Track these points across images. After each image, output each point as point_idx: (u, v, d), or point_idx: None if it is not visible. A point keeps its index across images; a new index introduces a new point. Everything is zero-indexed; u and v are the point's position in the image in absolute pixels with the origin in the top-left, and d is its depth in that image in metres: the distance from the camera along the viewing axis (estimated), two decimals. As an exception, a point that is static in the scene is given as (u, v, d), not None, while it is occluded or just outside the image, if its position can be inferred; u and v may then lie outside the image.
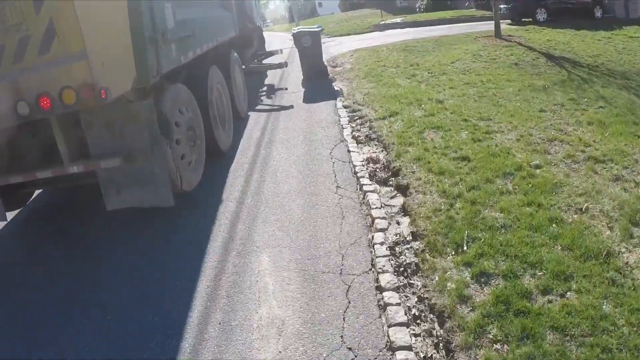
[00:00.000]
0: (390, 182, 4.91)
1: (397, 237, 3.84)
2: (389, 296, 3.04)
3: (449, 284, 3.07)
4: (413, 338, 2.76)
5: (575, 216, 3.72)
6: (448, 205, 4.05)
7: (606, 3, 18.09)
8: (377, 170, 5.25)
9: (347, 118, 7.24)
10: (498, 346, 2.55)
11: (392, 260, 3.50)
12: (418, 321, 2.92)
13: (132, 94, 4.05)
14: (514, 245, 3.34)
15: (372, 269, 3.41)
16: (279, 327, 2.95)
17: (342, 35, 20.83)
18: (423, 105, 7.18)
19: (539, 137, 5.55)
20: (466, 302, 2.90)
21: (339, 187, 4.85)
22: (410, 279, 3.31)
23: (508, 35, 13.67)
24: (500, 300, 2.83)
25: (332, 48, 15.97)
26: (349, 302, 3.09)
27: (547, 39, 13.02)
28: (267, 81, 11.53)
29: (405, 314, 2.92)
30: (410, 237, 3.80)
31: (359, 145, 6.08)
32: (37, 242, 4.67)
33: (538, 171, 4.56)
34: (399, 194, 4.62)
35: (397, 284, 3.18)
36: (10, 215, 5.04)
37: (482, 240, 3.46)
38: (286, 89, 10.19)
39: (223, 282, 3.49)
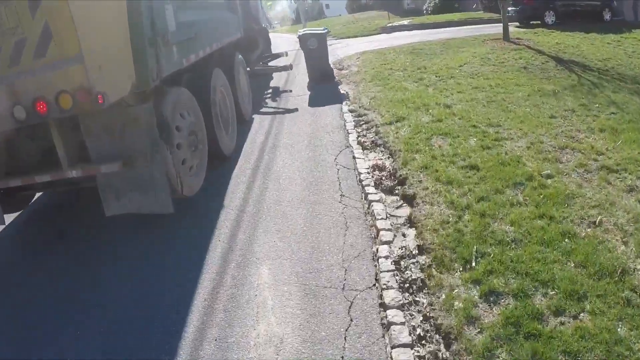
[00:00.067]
0: (396, 191, 4.76)
1: (403, 250, 3.69)
2: (393, 314, 2.91)
3: (456, 302, 2.93)
4: (417, 361, 2.62)
5: (589, 230, 3.57)
6: (456, 217, 3.90)
7: (615, 6, 17.82)
8: (383, 178, 5.10)
9: (353, 123, 7.11)
10: (508, 372, 2.42)
11: (397, 275, 3.35)
12: (423, 342, 2.78)
13: (132, 98, 3.97)
14: (524, 262, 3.19)
15: (376, 285, 3.28)
16: (277, 345, 2.83)
17: (348, 37, 20.71)
18: (430, 110, 7.03)
19: (550, 144, 5.39)
20: (474, 323, 2.76)
21: (344, 195, 4.72)
22: (415, 296, 3.17)
23: (516, 38, 13.47)
24: (510, 322, 2.69)
25: (339, 50, 15.84)
26: (351, 320, 2.96)
27: (556, 42, 12.81)
28: (272, 83, 11.43)
29: (410, 334, 2.79)
30: (417, 251, 3.66)
31: (365, 151, 5.94)
32: (37, 244, 4.64)
33: (549, 181, 4.41)
34: (405, 204, 4.46)
35: (401, 301, 3.04)
36: (10, 217, 5.00)
37: (492, 255, 3.31)
38: (291, 91, 10.09)
39: (221, 295, 3.37)
